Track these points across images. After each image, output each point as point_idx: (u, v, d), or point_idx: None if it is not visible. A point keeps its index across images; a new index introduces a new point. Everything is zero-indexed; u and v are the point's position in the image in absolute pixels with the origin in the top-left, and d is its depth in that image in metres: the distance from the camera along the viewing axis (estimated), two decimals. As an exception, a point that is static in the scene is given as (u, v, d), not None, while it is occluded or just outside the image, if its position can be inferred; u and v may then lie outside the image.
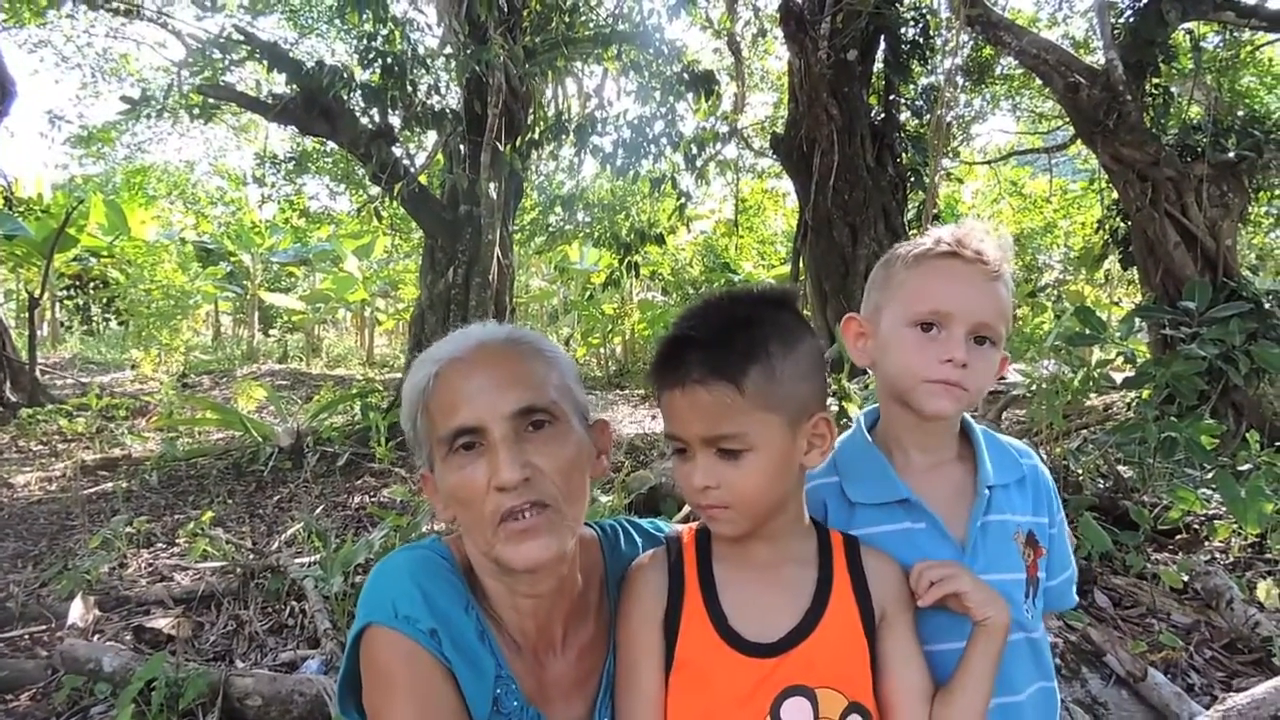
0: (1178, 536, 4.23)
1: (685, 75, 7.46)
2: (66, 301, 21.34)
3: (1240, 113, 9.20)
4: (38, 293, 11.56)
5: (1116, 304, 16.09)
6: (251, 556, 4.58)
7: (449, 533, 1.22)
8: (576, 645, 1.20)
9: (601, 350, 17.92)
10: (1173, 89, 8.62)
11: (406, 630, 1.03)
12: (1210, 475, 4.53)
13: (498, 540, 1.05)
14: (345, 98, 7.39)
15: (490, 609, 1.14)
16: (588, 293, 16.85)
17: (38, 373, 10.87)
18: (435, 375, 1.10)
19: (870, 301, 1.32)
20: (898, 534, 1.23)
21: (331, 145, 11.68)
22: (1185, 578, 3.61)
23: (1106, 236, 9.52)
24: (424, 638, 1.03)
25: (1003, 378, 1.35)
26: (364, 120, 7.71)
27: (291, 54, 8.57)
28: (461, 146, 7.75)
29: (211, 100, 8.69)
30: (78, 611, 3.90)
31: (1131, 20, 7.45)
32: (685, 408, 1.05)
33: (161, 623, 3.76)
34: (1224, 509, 4.21)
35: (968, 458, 1.31)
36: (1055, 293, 17.49)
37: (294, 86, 7.46)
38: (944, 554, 1.21)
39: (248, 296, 20.70)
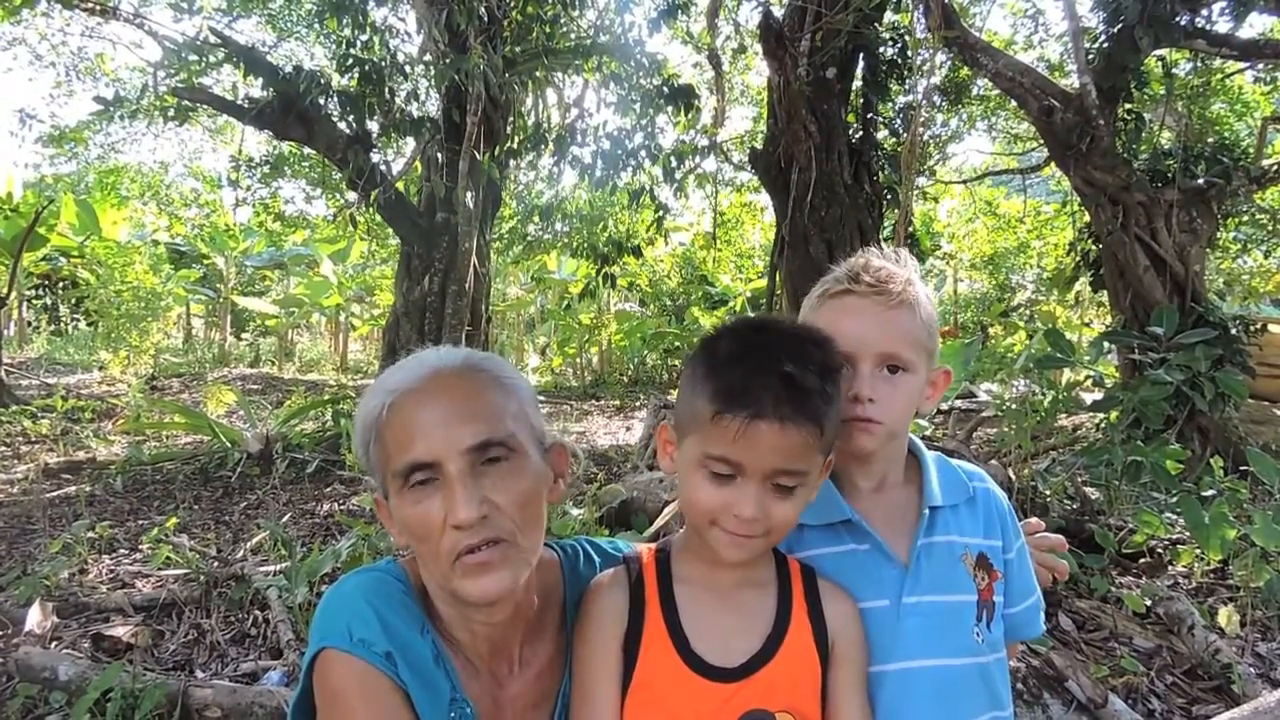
0: (1141, 560, 4.28)
1: (665, 88, 7.48)
2: (34, 301, 20.99)
3: (1210, 140, 9.38)
4: (5, 291, 11.34)
5: (1087, 325, 16.30)
6: (215, 564, 4.51)
7: (406, 552, 1.20)
8: (534, 666, 1.20)
9: (578, 360, 17.90)
10: (1144, 115, 8.77)
11: (361, 653, 1.01)
12: (1175, 500, 4.59)
13: (455, 574, 1.04)
14: (322, 103, 7.34)
15: (445, 630, 1.13)
16: (565, 303, 16.84)
17: (2, 373, 10.66)
18: (389, 406, 1.07)
19: None
20: (842, 555, 1.24)
21: (308, 149, 11.63)
22: (1148, 602, 3.64)
23: (1078, 259, 9.65)
24: (380, 660, 1.02)
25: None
26: (341, 126, 7.67)
27: (269, 58, 8.51)
28: (439, 154, 7.73)
29: (186, 102, 8.60)
30: (35, 618, 3.82)
31: (1105, 46, 7.58)
32: (765, 439, 1.03)
33: (120, 631, 3.69)
34: (1188, 534, 4.26)
35: (914, 480, 1.32)
36: (1028, 313, 17.71)
37: (271, 90, 7.40)
38: (887, 575, 1.22)
39: (220, 300, 20.45)
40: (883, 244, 1.35)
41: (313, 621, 1.08)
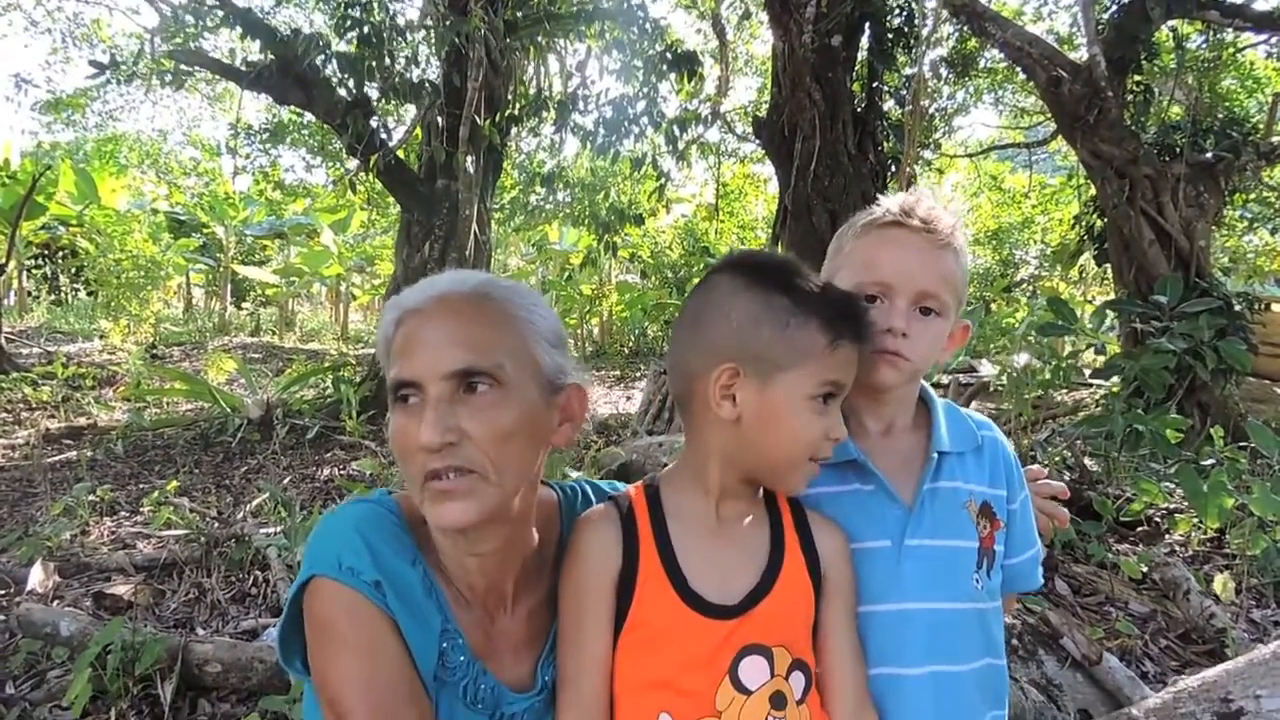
0: (1139, 529, 4.29)
1: (668, 55, 7.40)
2: (34, 271, 20.92)
3: (1220, 115, 9.29)
4: (4, 260, 11.29)
5: (1090, 302, 16.25)
6: (216, 525, 4.53)
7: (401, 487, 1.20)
8: (527, 604, 1.19)
9: (579, 331, 17.87)
10: (1154, 87, 8.68)
11: (350, 582, 1.01)
12: (1173, 469, 4.60)
13: (424, 497, 1.04)
14: (321, 66, 7.27)
15: (439, 562, 1.13)
16: (566, 274, 16.79)
17: (2, 340, 10.65)
18: (396, 322, 1.09)
19: (825, 271, 1.31)
20: (846, 495, 1.23)
21: (308, 117, 11.54)
22: (1144, 569, 3.66)
23: (1082, 233, 9.60)
24: (368, 589, 1.01)
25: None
26: (341, 91, 7.59)
27: (269, 21, 8.41)
28: (440, 119, 7.66)
29: (184, 66, 8.50)
30: (37, 577, 3.85)
31: (1115, 16, 7.49)
32: (854, 360, 1.12)
33: (121, 589, 3.71)
34: (1185, 503, 4.27)
35: (923, 426, 1.31)
36: (1030, 288, 17.66)
37: (269, 54, 7.33)
38: (890, 516, 1.22)
39: (220, 269, 20.39)
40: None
41: (305, 550, 1.08)
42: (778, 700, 1.08)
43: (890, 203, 1.26)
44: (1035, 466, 1.51)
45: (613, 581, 1.11)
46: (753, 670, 1.07)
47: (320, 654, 1.02)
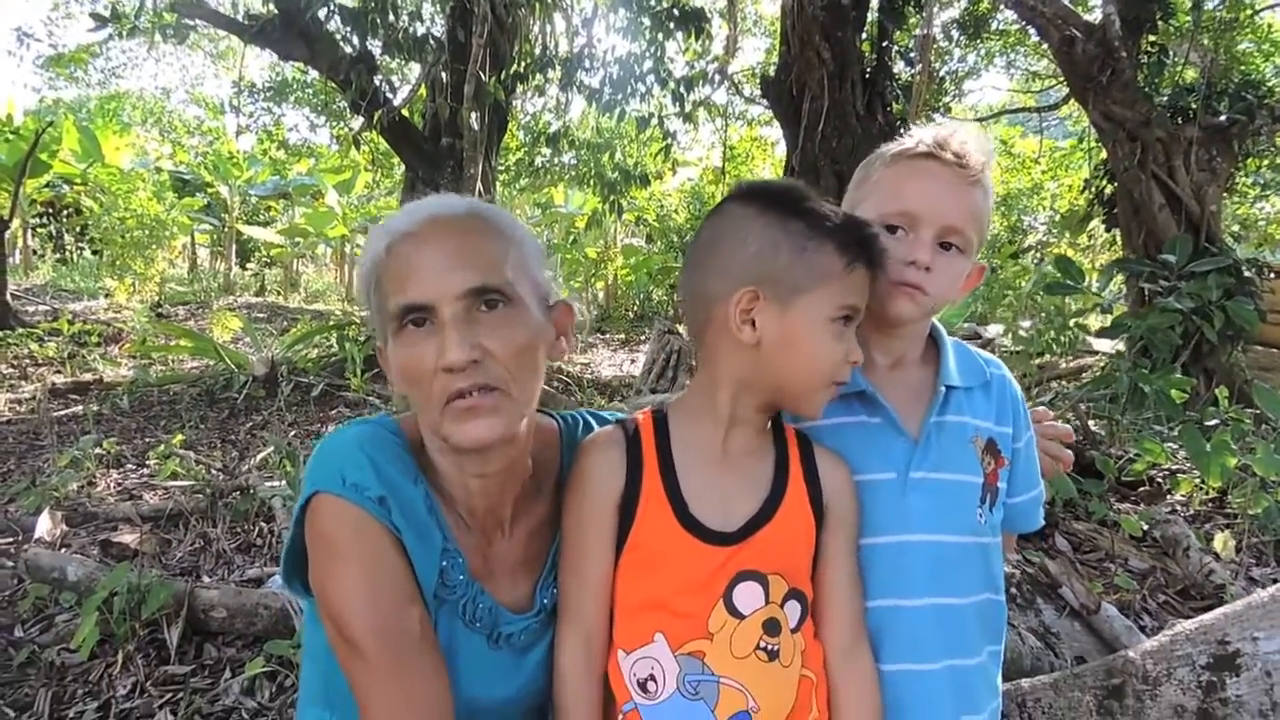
0: (1141, 489, 4.29)
1: (675, 12, 7.29)
2: (39, 230, 20.87)
3: (1235, 77, 9.12)
4: (7, 217, 11.27)
5: (1097, 269, 16.15)
6: (221, 478, 4.56)
7: (400, 411, 1.19)
8: (526, 527, 1.20)
9: (584, 294, 17.83)
10: (1168, 48, 8.51)
11: (354, 498, 1.01)
12: (1177, 430, 4.59)
13: (445, 419, 1.03)
14: (324, 20, 7.19)
15: (439, 484, 1.13)
16: (571, 237, 16.72)
17: (8, 297, 10.67)
18: (387, 248, 1.06)
19: (848, 200, 1.29)
20: (854, 426, 1.23)
21: (311, 75, 11.43)
22: (1145, 526, 3.65)
23: (1092, 197, 9.48)
24: (372, 505, 1.01)
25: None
26: (345, 46, 7.51)
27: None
28: (444, 74, 7.58)
29: (186, 20, 8.40)
30: (45, 526, 3.89)
31: (1131, -26, 7.34)
32: (868, 285, 1.12)
33: (128, 538, 3.75)
34: (1188, 464, 4.26)
35: (931, 361, 1.30)
36: (1039, 255, 17.54)
37: (271, 7, 7.24)
38: (896, 448, 1.22)
39: (225, 229, 20.34)
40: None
41: (307, 470, 1.08)
42: (771, 626, 1.08)
43: (924, 134, 1.23)
44: (1042, 409, 1.50)
45: (615, 503, 1.12)
46: (747, 596, 1.08)
47: (323, 569, 1.02)
